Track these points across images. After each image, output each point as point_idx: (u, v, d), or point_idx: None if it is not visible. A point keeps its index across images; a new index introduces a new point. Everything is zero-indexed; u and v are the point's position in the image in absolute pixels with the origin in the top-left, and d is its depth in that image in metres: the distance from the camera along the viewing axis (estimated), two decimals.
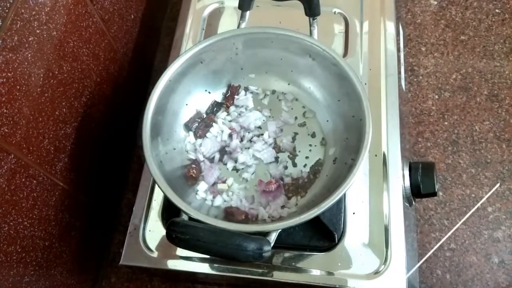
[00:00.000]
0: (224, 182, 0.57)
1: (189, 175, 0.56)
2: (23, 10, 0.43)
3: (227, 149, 0.59)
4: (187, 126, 0.60)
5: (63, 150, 0.54)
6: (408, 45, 0.82)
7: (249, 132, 0.60)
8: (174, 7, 0.86)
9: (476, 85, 0.78)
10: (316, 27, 0.57)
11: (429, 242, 0.67)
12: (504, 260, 0.65)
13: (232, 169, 0.58)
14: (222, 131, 0.60)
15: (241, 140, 0.60)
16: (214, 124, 0.60)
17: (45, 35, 0.47)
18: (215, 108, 0.62)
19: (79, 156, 0.57)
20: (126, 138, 0.73)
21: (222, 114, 0.61)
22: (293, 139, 0.60)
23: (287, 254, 0.53)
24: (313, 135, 0.60)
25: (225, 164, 0.58)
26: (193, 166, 0.56)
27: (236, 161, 0.58)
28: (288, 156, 0.59)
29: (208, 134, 0.60)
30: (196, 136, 0.59)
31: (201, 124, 0.60)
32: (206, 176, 0.56)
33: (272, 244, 0.44)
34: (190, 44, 0.68)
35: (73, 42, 0.53)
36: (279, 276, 0.53)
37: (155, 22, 0.83)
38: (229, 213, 0.53)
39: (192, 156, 0.58)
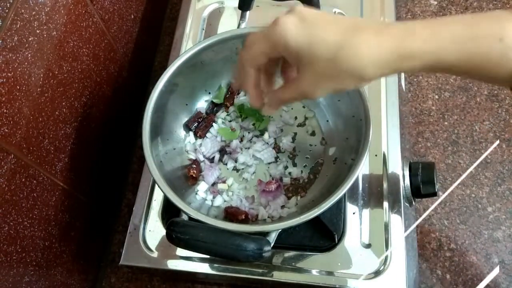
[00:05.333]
0: (224, 182, 0.57)
1: (189, 175, 0.56)
2: (23, 10, 0.43)
3: (227, 149, 0.59)
4: (187, 126, 0.60)
5: (63, 150, 0.54)
6: None
7: (249, 132, 0.60)
8: (174, 7, 0.86)
9: (476, 85, 0.78)
10: None
11: (429, 242, 0.67)
12: (504, 260, 0.65)
13: (232, 169, 0.58)
14: None
15: (241, 140, 0.60)
16: (214, 124, 0.60)
17: (45, 35, 0.47)
18: (215, 108, 0.62)
19: (79, 156, 0.57)
20: (126, 138, 0.73)
21: (222, 114, 0.61)
22: (293, 139, 0.60)
23: (287, 254, 0.53)
24: (313, 135, 0.60)
25: (225, 164, 0.58)
26: (193, 166, 0.56)
27: (236, 161, 0.58)
28: (288, 156, 0.59)
29: (208, 134, 0.60)
30: (196, 136, 0.59)
31: (201, 124, 0.60)
32: (206, 176, 0.56)
33: (272, 244, 0.44)
34: (190, 44, 0.68)
35: (73, 42, 0.53)
36: (279, 276, 0.52)
37: (155, 22, 0.83)
38: (229, 213, 0.53)
39: (192, 156, 0.58)
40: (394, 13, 0.69)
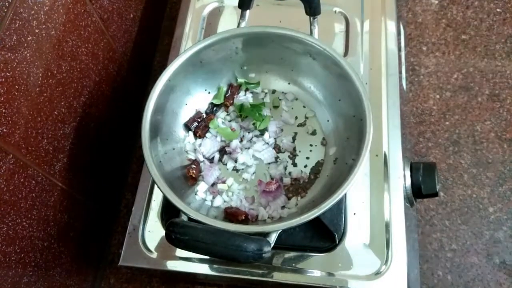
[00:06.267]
0: (224, 182, 0.57)
1: (188, 175, 0.55)
2: (21, 10, 0.43)
3: (227, 149, 0.59)
4: (187, 126, 0.59)
5: (62, 150, 0.53)
6: (409, 44, 0.82)
7: (249, 132, 0.60)
8: (173, 6, 0.86)
9: (477, 84, 0.77)
10: (316, 26, 0.56)
11: (430, 242, 0.67)
12: (505, 260, 0.65)
13: (232, 169, 0.58)
14: None
15: (241, 140, 0.59)
16: (220, 110, 0.60)
17: (44, 35, 0.47)
18: (214, 108, 0.61)
19: (78, 156, 0.57)
20: (125, 138, 0.73)
21: (222, 114, 0.61)
22: (293, 139, 0.59)
23: (287, 255, 0.53)
24: (314, 135, 0.59)
25: (225, 164, 0.58)
26: (193, 166, 0.56)
27: (236, 161, 0.57)
28: (288, 156, 0.58)
29: (207, 134, 0.60)
30: (196, 136, 0.59)
31: (200, 124, 0.59)
32: (205, 176, 0.56)
33: (272, 245, 0.43)
34: (189, 43, 0.68)
35: (72, 42, 0.53)
36: (279, 277, 0.52)
37: (154, 21, 0.82)
38: (229, 214, 0.53)
39: (191, 156, 0.58)
40: (395, 12, 0.68)
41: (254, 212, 0.54)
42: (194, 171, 0.55)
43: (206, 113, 0.61)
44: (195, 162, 0.57)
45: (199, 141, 0.59)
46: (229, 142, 0.59)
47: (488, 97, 0.76)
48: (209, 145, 0.59)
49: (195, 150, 0.58)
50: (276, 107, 0.61)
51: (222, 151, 0.59)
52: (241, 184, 0.57)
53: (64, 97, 0.53)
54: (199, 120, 0.60)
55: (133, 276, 0.66)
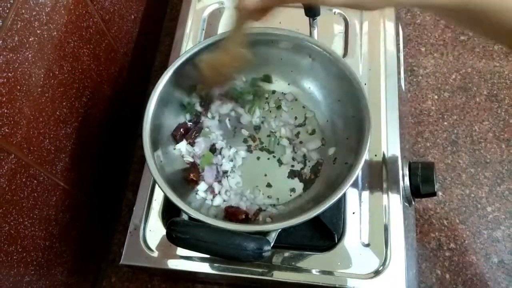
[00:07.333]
0: (221, 181, 0.57)
1: (189, 179, 0.55)
2: (23, 11, 0.43)
3: (227, 149, 0.59)
4: (174, 138, 0.58)
5: (64, 150, 0.54)
6: (407, 45, 0.82)
7: (254, 142, 0.60)
8: (174, 7, 0.86)
9: (475, 85, 0.78)
10: (316, 28, 0.57)
11: (429, 242, 0.67)
12: (503, 260, 0.65)
13: (232, 169, 0.58)
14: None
15: (243, 141, 0.59)
16: (204, 117, 0.60)
17: (45, 35, 0.47)
18: (206, 101, 0.61)
19: (80, 156, 0.58)
20: (126, 138, 0.73)
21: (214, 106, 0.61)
22: (293, 139, 0.60)
23: (287, 254, 0.53)
24: (313, 135, 0.60)
25: (225, 164, 0.58)
26: (193, 169, 0.56)
27: (234, 161, 0.58)
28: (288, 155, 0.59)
29: (198, 139, 0.59)
30: (188, 144, 0.59)
31: (191, 133, 0.59)
32: (205, 176, 0.56)
33: (272, 244, 0.44)
34: (190, 44, 0.68)
35: (74, 43, 0.53)
36: (279, 275, 0.53)
37: (155, 23, 0.83)
38: (229, 213, 0.53)
39: (189, 159, 0.58)
40: (393, 14, 0.69)
41: (253, 208, 0.54)
42: (195, 174, 0.56)
43: (192, 121, 0.60)
44: (194, 164, 0.57)
45: (191, 147, 0.59)
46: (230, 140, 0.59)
47: (486, 98, 0.77)
48: (203, 145, 0.59)
49: (189, 153, 0.58)
50: (278, 107, 0.62)
51: (214, 148, 0.59)
52: (240, 183, 0.57)
53: (65, 97, 0.53)
54: (187, 131, 0.59)
55: (134, 275, 0.66)
